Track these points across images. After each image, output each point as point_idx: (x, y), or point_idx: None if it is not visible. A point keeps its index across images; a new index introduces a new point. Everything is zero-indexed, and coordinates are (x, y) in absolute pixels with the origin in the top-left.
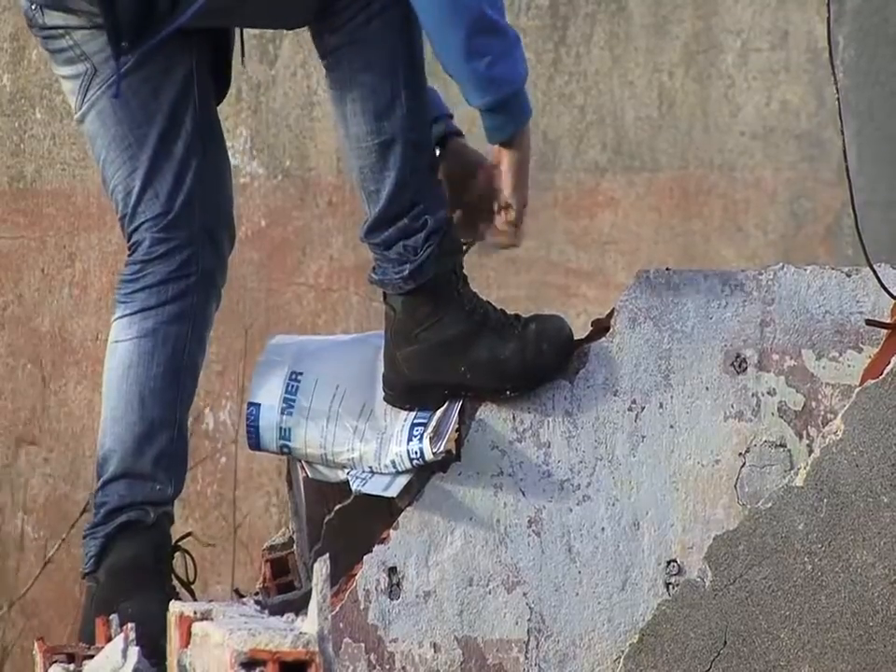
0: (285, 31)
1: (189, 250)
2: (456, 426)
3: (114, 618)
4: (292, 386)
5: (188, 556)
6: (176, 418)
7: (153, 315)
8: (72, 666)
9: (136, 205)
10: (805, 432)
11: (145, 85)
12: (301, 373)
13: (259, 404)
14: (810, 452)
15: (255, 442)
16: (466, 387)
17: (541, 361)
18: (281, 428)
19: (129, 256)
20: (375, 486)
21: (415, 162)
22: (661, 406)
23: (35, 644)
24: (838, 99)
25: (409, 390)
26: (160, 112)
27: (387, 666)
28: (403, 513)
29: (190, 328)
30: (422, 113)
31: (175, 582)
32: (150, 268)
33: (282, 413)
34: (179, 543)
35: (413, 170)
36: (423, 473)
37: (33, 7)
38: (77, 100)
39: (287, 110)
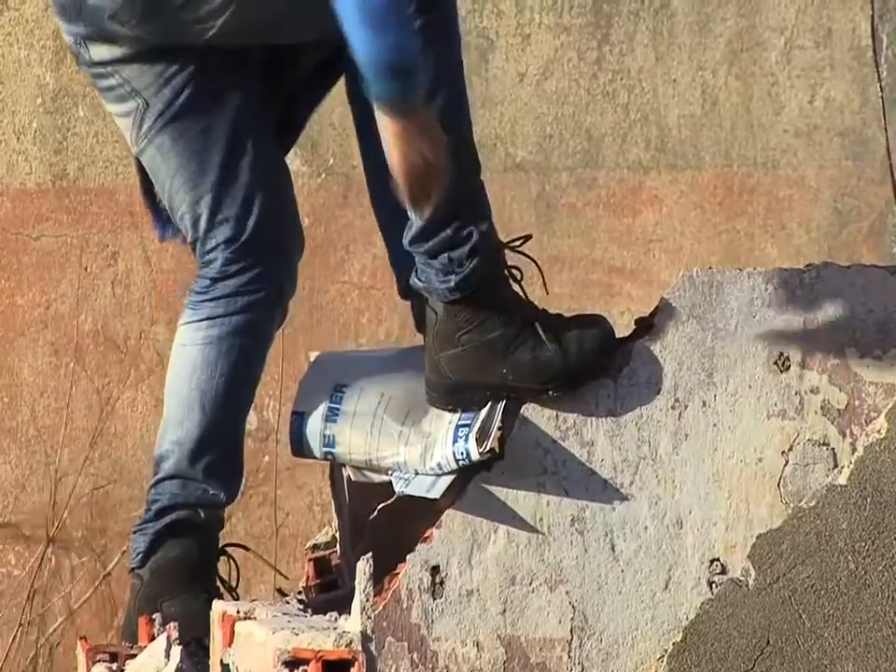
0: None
1: (260, 267)
2: (500, 424)
3: (157, 617)
4: (336, 397)
5: (232, 561)
6: (234, 427)
7: (219, 325)
8: (115, 665)
9: (207, 231)
10: (848, 431)
11: (202, 113)
12: (345, 386)
13: (303, 412)
14: (853, 450)
15: (298, 449)
16: (508, 388)
17: (584, 361)
18: (325, 436)
19: (200, 269)
20: (418, 487)
21: (459, 174)
22: (704, 404)
23: (78, 643)
24: (882, 96)
25: (451, 391)
26: (220, 138)
27: (430, 665)
28: (446, 512)
29: (255, 340)
30: (466, 124)
31: (219, 585)
32: (222, 282)
33: (326, 421)
34: (226, 548)
35: (457, 182)
36: (466, 473)
37: (77, 44)
38: (133, 135)
39: (330, 108)
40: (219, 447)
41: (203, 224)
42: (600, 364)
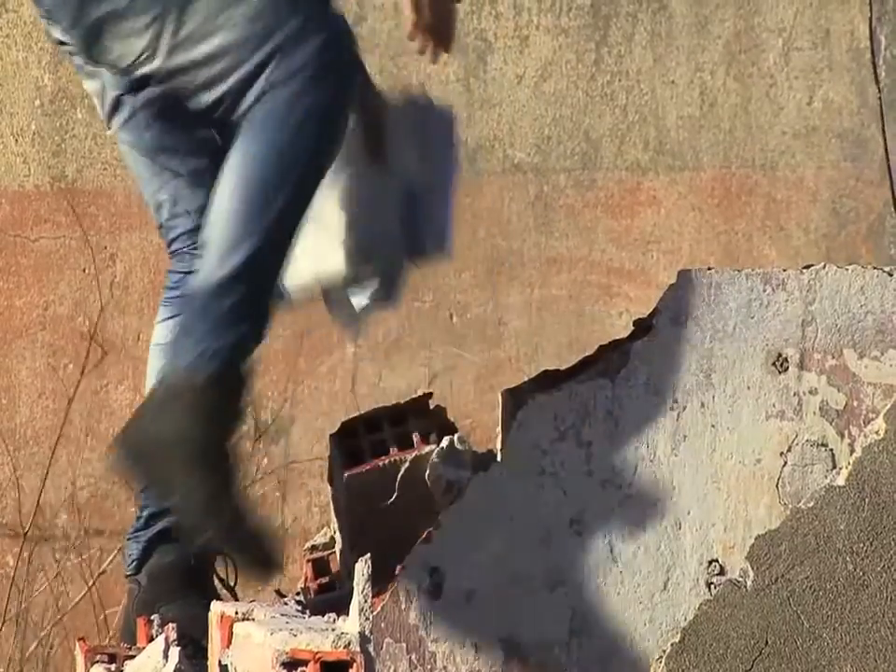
0: None
1: None
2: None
3: (155, 618)
4: None
5: (229, 560)
6: None
7: None
8: (113, 666)
9: (169, 219)
10: (846, 431)
11: (166, 102)
12: None
13: None
14: (852, 451)
15: None
16: None
17: None
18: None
19: (172, 261)
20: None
21: (253, 282)
22: (702, 405)
23: (77, 644)
24: (880, 98)
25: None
26: (182, 127)
27: (429, 666)
28: (445, 513)
29: None
30: (290, 228)
31: (218, 585)
32: (189, 278)
33: None
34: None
35: (245, 294)
36: (463, 470)
37: (45, 22)
38: (103, 115)
39: None
40: None
41: (165, 212)
42: None
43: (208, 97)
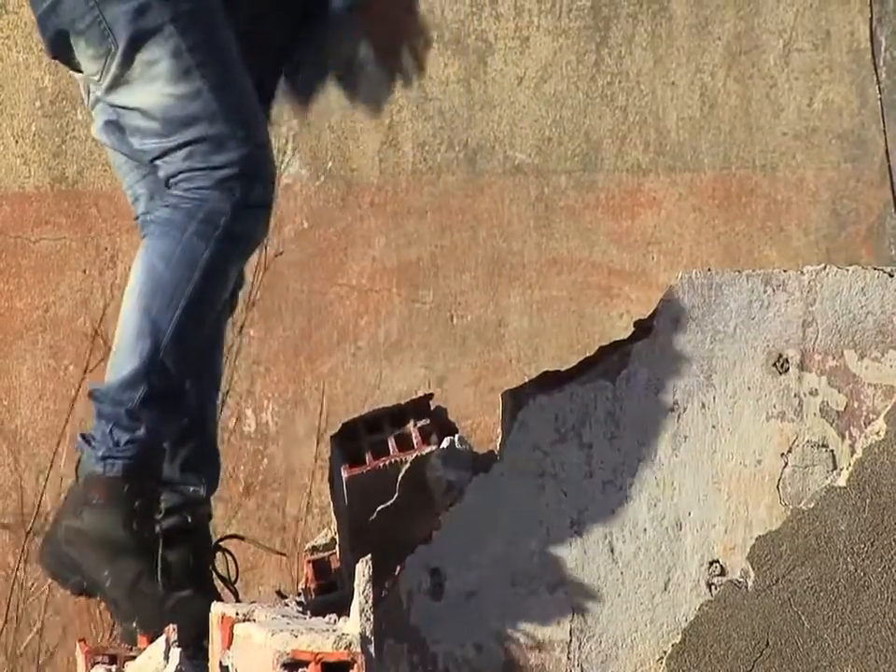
0: None
1: None
2: None
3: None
4: None
5: (229, 556)
6: (203, 420)
7: None
8: (114, 668)
9: (146, 213)
10: (847, 432)
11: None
12: None
13: None
14: (853, 452)
15: None
16: (102, 586)
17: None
18: None
19: None
20: None
21: (162, 375)
22: (703, 406)
23: (77, 645)
24: (881, 99)
25: (61, 558)
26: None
27: (430, 667)
28: (445, 514)
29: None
30: (192, 333)
31: (218, 582)
32: None
33: None
34: (221, 543)
35: (156, 385)
36: (463, 471)
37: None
38: (89, 107)
39: (328, 111)
40: (190, 446)
41: (142, 204)
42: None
43: (132, 141)
